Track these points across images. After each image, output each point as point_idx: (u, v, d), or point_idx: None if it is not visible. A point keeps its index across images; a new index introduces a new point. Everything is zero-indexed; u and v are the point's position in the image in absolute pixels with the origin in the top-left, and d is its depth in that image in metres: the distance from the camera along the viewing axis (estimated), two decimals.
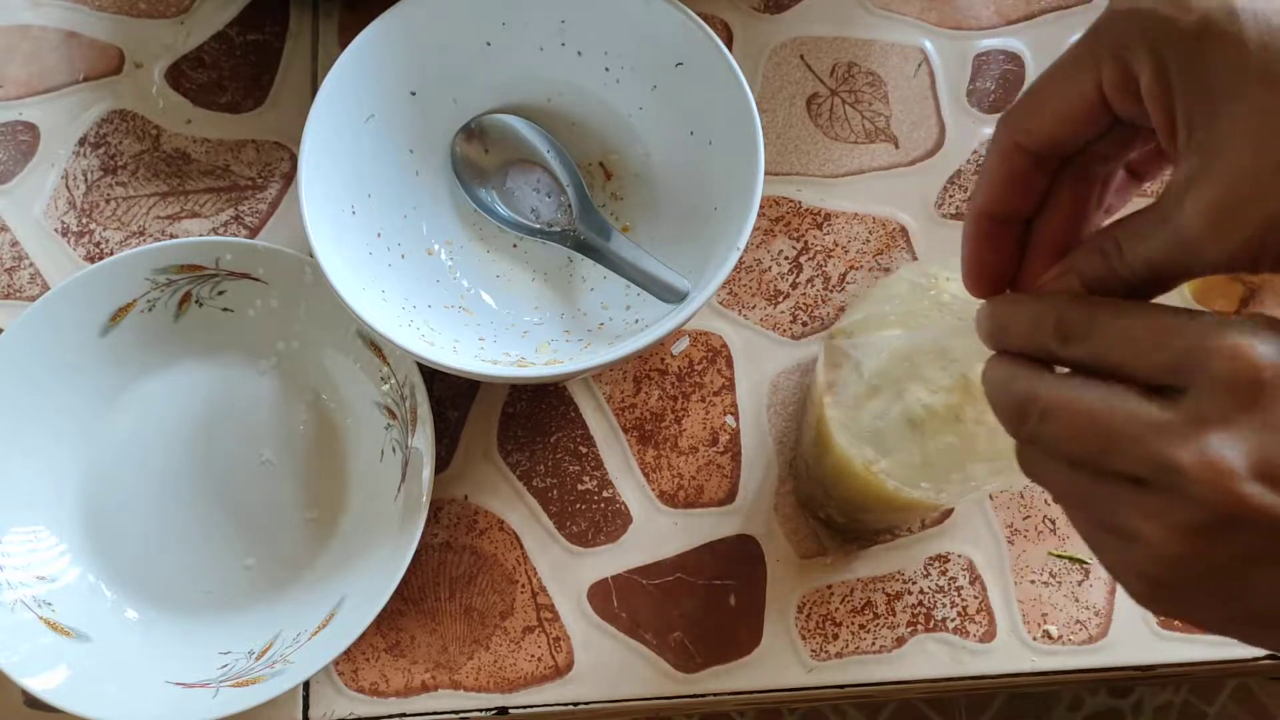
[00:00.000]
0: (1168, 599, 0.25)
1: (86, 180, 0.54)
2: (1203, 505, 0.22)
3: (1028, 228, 0.30)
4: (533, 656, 0.48)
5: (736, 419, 0.50)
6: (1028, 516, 0.49)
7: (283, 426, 0.50)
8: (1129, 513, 0.24)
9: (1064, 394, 0.25)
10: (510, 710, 0.47)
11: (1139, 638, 0.48)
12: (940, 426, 0.38)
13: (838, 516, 0.47)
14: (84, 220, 0.53)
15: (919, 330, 0.38)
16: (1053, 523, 0.49)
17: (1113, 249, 0.26)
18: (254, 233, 0.53)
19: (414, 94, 0.49)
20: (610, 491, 0.50)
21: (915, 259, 0.52)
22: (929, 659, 0.47)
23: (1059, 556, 0.49)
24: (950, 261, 0.35)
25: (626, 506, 0.49)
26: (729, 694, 0.47)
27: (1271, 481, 0.22)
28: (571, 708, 0.47)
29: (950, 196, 0.53)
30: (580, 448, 0.50)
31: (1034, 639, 0.48)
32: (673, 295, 0.46)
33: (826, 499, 0.46)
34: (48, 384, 0.48)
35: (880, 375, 0.38)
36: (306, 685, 0.48)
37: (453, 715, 0.47)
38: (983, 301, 0.29)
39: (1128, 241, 0.26)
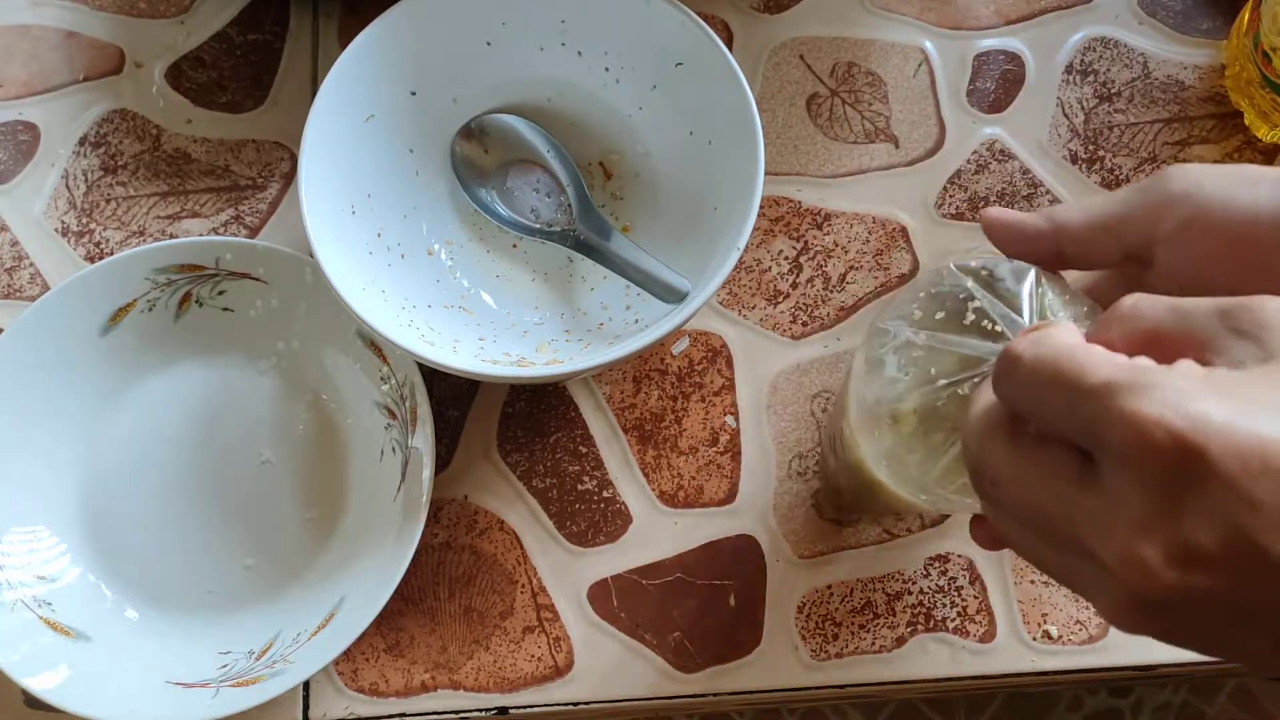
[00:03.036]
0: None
1: (86, 180, 0.54)
2: (1134, 593, 0.23)
3: None
4: (533, 656, 0.48)
5: (736, 419, 0.50)
6: None
7: (283, 426, 0.50)
8: (1080, 580, 0.25)
9: (1008, 468, 0.26)
10: (510, 710, 0.47)
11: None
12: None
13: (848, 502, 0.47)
14: (84, 220, 0.53)
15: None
16: None
17: None
18: (254, 233, 0.53)
19: (414, 94, 0.49)
20: (610, 491, 0.50)
21: (915, 259, 0.52)
22: (929, 659, 0.47)
23: None
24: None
25: (626, 506, 0.49)
26: (729, 694, 0.47)
27: (1189, 564, 0.22)
28: (571, 708, 0.47)
29: (950, 196, 0.53)
30: (580, 448, 0.50)
31: (1034, 639, 0.48)
32: (673, 295, 0.46)
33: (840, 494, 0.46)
34: (48, 384, 0.48)
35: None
36: (306, 685, 0.48)
37: (453, 715, 0.47)
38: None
39: None
